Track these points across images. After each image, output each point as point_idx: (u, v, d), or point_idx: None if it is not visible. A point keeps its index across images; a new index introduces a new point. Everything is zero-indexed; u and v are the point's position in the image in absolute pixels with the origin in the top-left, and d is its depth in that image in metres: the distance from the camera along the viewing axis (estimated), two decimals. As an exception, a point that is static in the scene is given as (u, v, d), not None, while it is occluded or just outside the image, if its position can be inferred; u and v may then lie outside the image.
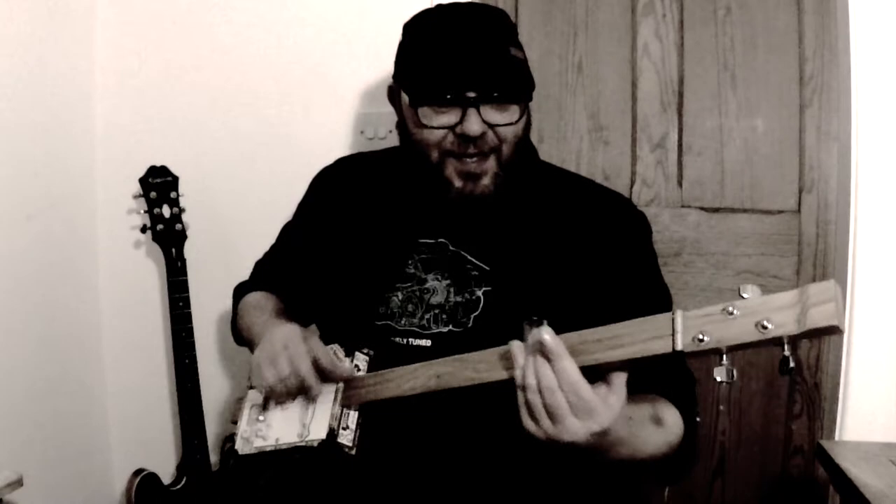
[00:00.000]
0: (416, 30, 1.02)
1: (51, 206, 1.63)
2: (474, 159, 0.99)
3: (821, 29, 1.56)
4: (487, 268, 1.03)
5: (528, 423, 0.77)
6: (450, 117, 0.97)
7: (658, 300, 1.01)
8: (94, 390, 1.79)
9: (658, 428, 0.88)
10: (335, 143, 1.67)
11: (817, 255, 1.59)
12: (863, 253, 1.50)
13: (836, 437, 1.53)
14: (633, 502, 1.10)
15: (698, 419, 0.99)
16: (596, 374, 0.75)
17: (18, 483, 1.25)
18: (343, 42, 1.64)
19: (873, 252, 1.49)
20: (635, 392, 0.85)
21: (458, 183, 1.00)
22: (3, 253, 1.50)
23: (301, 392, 0.97)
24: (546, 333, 0.74)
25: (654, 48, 1.63)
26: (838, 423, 1.53)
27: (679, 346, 0.69)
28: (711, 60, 1.61)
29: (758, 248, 1.61)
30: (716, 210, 1.62)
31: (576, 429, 0.74)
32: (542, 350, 0.74)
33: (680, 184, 1.63)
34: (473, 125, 0.95)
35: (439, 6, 1.02)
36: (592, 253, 1.02)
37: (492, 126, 0.97)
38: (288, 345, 0.95)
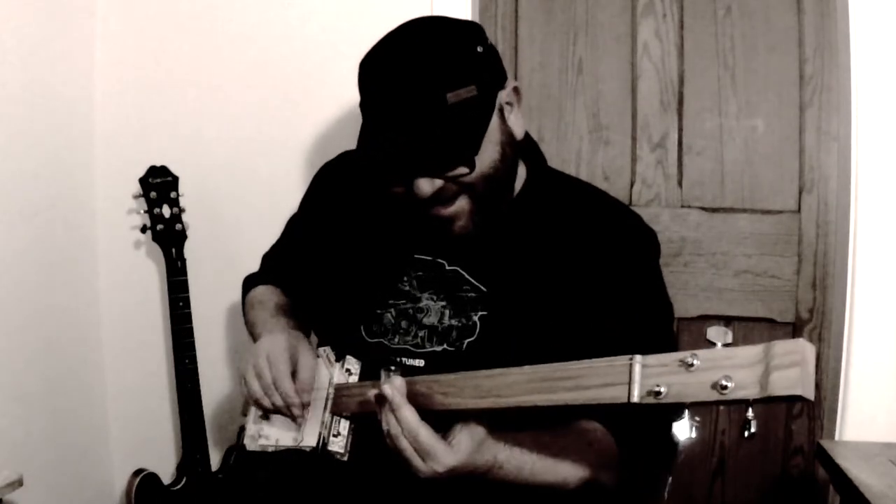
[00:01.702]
0: (360, 89, 0.96)
1: (51, 206, 1.63)
2: (444, 205, 0.96)
3: (821, 29, 1.56)
4: (485, 289, 1.00)
5: (400, 462, 0.83)
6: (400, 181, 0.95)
7: (654, 328, 0.99)
8: (94, 390, 1.79)
9: (583, 457, 0.91)
10: (335, 143, 1.66)
11: (817, 255, 1.59)
12: (863, 253, 1.50)
13: (836, 437, 1.53)
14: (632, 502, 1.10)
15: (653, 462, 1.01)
16: (562, 410, 0.74)
17: (18, 483, 1.25)
18: (343, 41, 1.64)
19: (873, 252, 1.49)
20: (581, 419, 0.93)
21: (436, 224, 0.98)
22: (3, 253, 1.50)
23: (285, 408, 0.97)
24: (386, 387, 0.82)
25: (654, 48, 1.63)
26: (838, 423, 1.53)
27: (634, 398, 0.65)
28: (711, 60, 1.61)
29: (758, 248, 1.61)
30: (716, 210, 1.62)
31: (422, 468, 0.81)
32: (385, 401, 0.81)
33: (680, 184, 1.63)
34: (424, 188, 0.92)
35: (381, 47, 0.96)
36: (595, 276, 0.99)
37: (447, 179, 0.93)
38: (272, 360, 0.96)
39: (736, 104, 1.60)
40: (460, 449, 0.81)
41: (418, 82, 0.90)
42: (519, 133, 1.00)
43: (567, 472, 0.91)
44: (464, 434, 0.82)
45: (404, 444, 0.81)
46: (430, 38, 0.94)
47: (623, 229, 1.03)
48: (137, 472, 1.60)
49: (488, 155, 0.94)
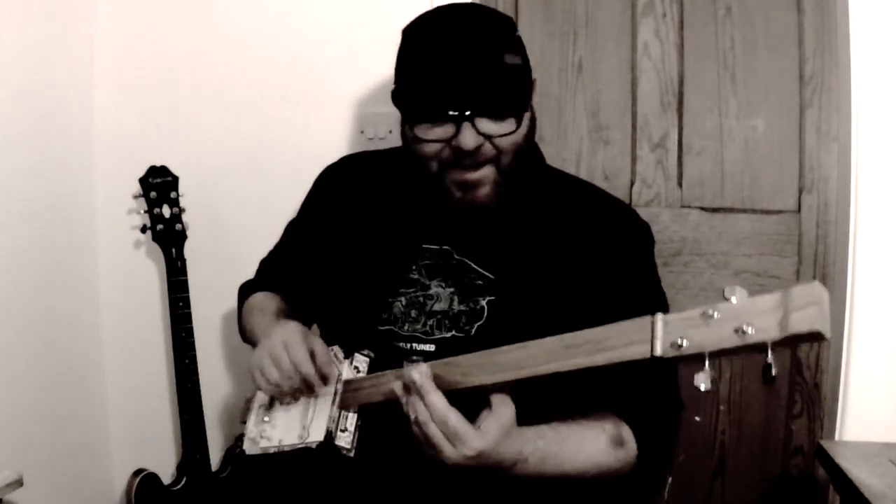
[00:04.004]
0: (410, 41, 1.00)
1: (51, 206, 1.63)
2: (472, 169, 0.97)
3: (821, 29, 1.56)
4: (492, 276, 1.02)
5: (424, 449, 0.85)
6: (445, 130, 0.95)
7: (653, 310, 1.01)
8: (94, 390, 1.79)
9: (600, 445, 0.94)
10: (335, 143, 1.67)
11: (817, 255, 1.59)
12: (863, 253, 1.50)
13: (836, 437, 1.53)
14: (632, 502, 1.10)
15: (666, 446, 1.02)
16: (580, 378, 0.76)
17: (18, 483, 1.25)
18: (343, 42, 1.64)
19: (873, 252, 1.49)
20: (598, 409, 0.95)
21: (457, 193, 0.99)
22: (3, 253, 1.50)
23: (303, 390, 0.97)
24: (415, 372, 0.83)
25: (654, 48, 1.63)
26: (838, 423, 1.53)
27: (658, 352, 0.68)
28: (711, 60, 1.61)
29: (758, 248, 1.61)
30: (716, 210, 1.62)
31: (451, 453, 0.82)
32: (413, 388, 0.83)
33: (680, 184, 1.63)
34: (468, 139, 0.94)
35: (434, 12, 1.01)
36: (595, 264, 1.02)
37: (488, 137, 0.95)
38: (288, 343, 0.96)
39: (736, 104, 1.60)
40: (489, 433, 0.83)
41: (480, 40, 0.95)
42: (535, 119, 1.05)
43: (586, 461, 0.93)
44: (492, 420, 0.83)
45: (433, 430, 0.82)
46: (483, 12, 1.01)
47: (620, 219, 1.08)
48: (137, 472, 1.60)
49: (523, 127, 0.99)
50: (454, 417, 0.82)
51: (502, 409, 0.84)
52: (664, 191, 1.64)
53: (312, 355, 0.96)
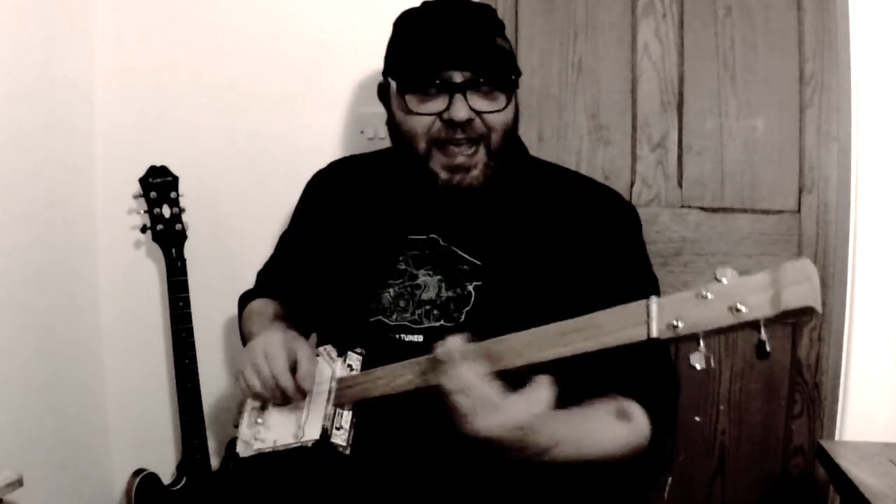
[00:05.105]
0: (404, 23, 1.04)
1: (51, 206, 1.63)
2: (462, 149, 0.99)
3: (821, 29, 1.56)
4: (479, 262, 1.03)
5: (461, 424, 0.81)
6: (437, 104, 0.98)
7: (645, 291, 1.01)
8: (94, 390, 1.79)
9: (617, 425, 0.93)
10: (335, 143, 1.67)
11: (817, 255, 1.59)
12: (863, 253, 1.50)
13: (836, 437, 1.53)
14: (632, 502, 1.10)
15: (669, 428, 1.01)
16: (579, 363, 0.76)
17: (18, 483, 1.25)
18: (343, 42, 1.65)
19: (873, 252, 1.49)
20: (604, 394, 0.94)
21: (444, 175, 1.01)
22: (3, 253, 1.50)
23: (284, 399, 0.97)
24: (440, 347, 0.82)
25: (654, 48, 1.63)
26: (838, 423, 1.53)
27: (654, 333, 0.69)
28: (711, 60, 1.61)
29: (758, 248, 1.61)
30: (716, 210, 1.62)
31: (486, 424, 0.78)
32: (443, 361, 0.81)
33: (680, 184, 1.63)
34: (460, 111, 0.96)
35: (426, 3, 1.04)
36: (582, 245, 1.03)
37: (479, 113, 0.98)
38: (268, 353, 0.97)
39: (736, 104, 1.60)
40: (528, 405, 0.79)
41: (474, 20, 1.00)
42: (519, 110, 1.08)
43: (610, 441, 0.93)
44: (539, 390, 0.79)
45: (465, 401, 0.79)
46: (476, 5, 1.05)
47: (605, 201, 1.09)
48: (137, 472, 1.60)
49: (510, 109, 1.01)
50: (485, 387, 0.79)
51: (541, 388, 0.79)
52: (664, 191, 1.64)
53: (294, 366, 0.96)
